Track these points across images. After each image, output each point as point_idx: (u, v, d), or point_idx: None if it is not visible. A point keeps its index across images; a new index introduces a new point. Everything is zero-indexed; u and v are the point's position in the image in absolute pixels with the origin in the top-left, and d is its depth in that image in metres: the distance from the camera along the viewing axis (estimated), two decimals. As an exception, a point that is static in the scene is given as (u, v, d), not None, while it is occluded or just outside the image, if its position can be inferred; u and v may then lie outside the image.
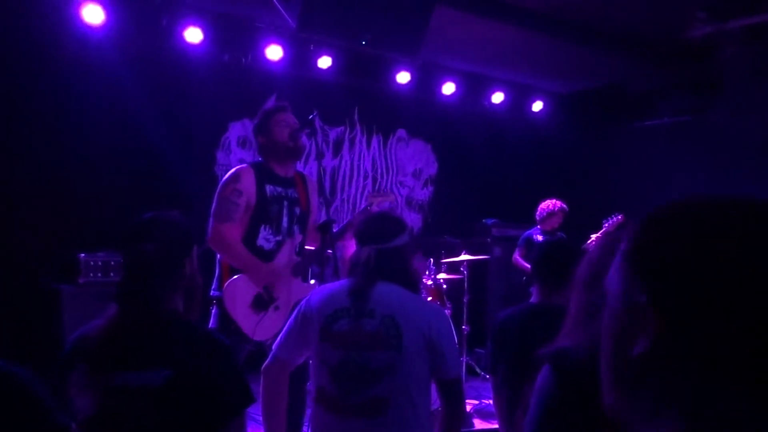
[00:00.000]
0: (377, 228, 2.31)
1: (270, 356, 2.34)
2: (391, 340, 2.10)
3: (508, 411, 2.49)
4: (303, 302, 2.31)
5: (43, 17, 4.74)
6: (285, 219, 3.28)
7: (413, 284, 2.26)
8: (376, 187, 6.89)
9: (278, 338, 2.35)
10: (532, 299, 2.64)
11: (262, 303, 3.15)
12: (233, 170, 3.25)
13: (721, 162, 6.33)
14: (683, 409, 0.67)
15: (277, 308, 3.20)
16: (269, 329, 3.15)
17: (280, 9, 3.60)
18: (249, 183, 3.19)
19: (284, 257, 3.25)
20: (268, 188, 3.24)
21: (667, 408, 0.68)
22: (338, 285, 2.30)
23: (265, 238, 3.23)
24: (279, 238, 3.26)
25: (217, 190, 3.20)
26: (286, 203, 3.29)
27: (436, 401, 2.37)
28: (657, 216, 0.72)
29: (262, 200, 3.20)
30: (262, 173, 3.26)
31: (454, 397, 2.22)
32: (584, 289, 1.82)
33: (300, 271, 3.31)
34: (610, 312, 0.76)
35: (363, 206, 3.24)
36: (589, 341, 1.69)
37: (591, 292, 1.77)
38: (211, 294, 3.15)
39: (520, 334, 2.46)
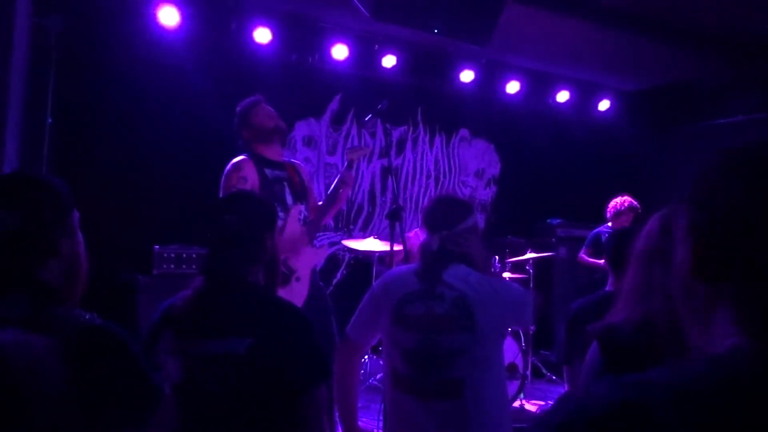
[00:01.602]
0: (444, 213, 2.29)
1: (342, 338, 2.38)
2: (464, 322, 2.08)
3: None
4: (375, 284, 2.34)
5: (123, 19, 4.96)
6: (288, 197, 3.42)
7: (482, 265, 2.24)
8: (439, 185, 6.88)
9: (351, 320, 2.39)
10: (607, 287, 2.60)
11: (284, 277, 3.26)
12: (232, 162, 3.37)
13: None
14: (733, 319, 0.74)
15: (298, 279, 3.31)
16: (296, 301, 3.21)
17: None
18: (250, 170, 3.33)
19: (292, 228, 3.35)
20: (268, 171, 3.39)
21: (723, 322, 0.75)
22: (409, 268, 2.31)
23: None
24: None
25: (222, 183, 3.31)
26: (285, 183, 3.44)
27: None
28: (707, 165, 0.85)
29: (265, 182, 3.34)
30: (259, 160, 3.41)
31: None
32: (642, 263, 1.78)
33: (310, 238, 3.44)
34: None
35: (344, 165, 3.43)
36: (642, 316, 1.66)
37: (651, 266, 1.73)
38: None
39: (595, 322, 2.42)
